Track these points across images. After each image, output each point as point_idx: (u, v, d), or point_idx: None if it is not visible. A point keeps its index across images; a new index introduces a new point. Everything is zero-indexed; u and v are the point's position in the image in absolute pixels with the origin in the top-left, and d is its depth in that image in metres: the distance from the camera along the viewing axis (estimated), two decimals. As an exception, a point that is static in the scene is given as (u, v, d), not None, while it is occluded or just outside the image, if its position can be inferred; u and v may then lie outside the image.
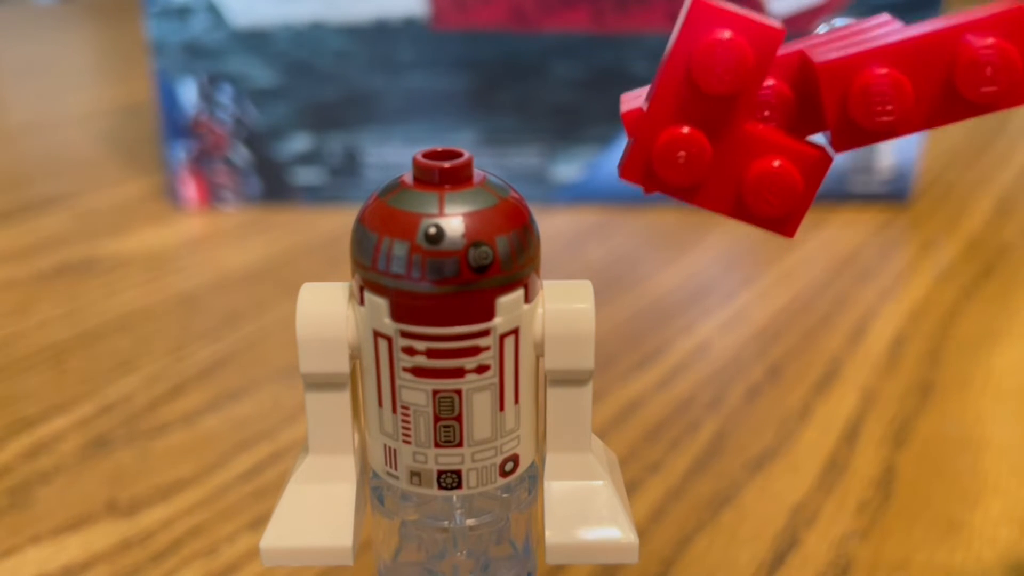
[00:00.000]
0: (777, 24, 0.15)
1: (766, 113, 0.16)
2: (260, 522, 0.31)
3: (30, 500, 0.33)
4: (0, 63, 0.98)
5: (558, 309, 0.19)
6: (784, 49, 0.16)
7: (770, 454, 0.35)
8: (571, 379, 0.19)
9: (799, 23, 0.55)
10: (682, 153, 0.16)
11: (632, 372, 0.40)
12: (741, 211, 0.17)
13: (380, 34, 0.55)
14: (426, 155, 0.18)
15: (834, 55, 0.16)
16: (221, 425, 0.37)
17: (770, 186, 0.16)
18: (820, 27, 0.18)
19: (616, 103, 0.59)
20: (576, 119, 0.57)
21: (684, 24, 0.15)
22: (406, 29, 0.55)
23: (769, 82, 0.16)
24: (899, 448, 0.35)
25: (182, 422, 0.37)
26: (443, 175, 0.18)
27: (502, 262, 0.18)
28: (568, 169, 0.58)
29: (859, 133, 0.16)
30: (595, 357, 0.19)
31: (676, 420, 0.37)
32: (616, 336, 0.43)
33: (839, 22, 0.17)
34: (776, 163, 0.16)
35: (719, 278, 0.50)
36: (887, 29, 0.16)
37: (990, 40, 0.15)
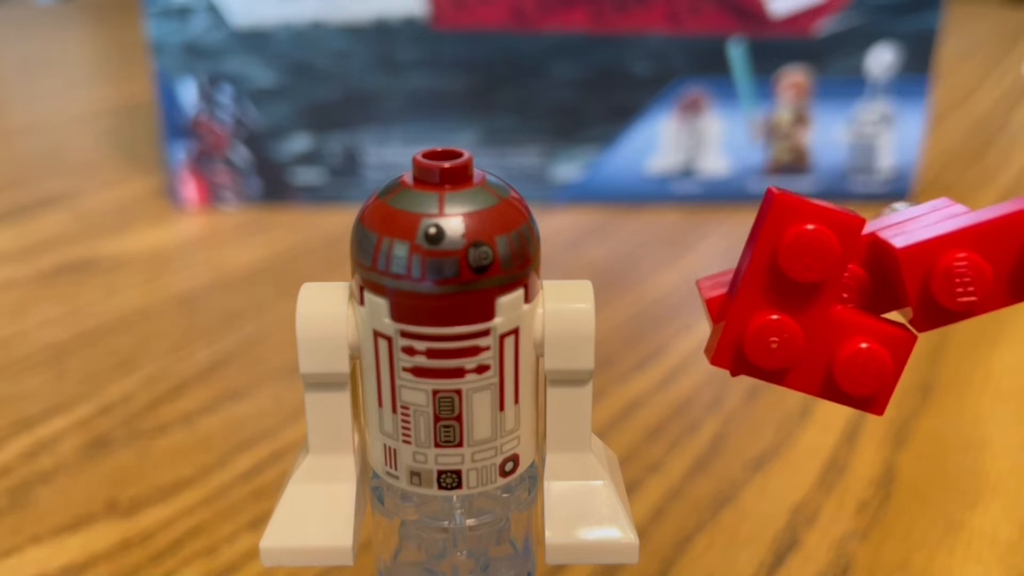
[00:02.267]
0: (856, 214, 0.16)
1: (845, 295, 0.17)
2: (260, 522, 0.31)
3: (30, 500, 0.33)
4: (0, 63, 0.98)
5: (558, 309, 0.19)
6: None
7: (770, 454, 0.35)
8: (571, 379, 0.19)
9: (799, 23, 0.55)
10: (775, 339, 0.17)
11: (632, 372, 0.40)
12: (831, 392, 0.17)
13: (380, 34, 0.55)
14: (426, 155, 0.18)
15: (912, 240, 0.16)
16: (221, 425, 0.37)
17: (861, 367, 0.17)
18: (885, 212, 0.18)
19: (616, 103, 0.58)
20: (576, 119, 0.57)
21: (768, 217, 0.16)
22: (406, 29, 0.55)
23: (855, 269, 0.17)
24: (899, 448, 0.35)
25: (182, 422, 0.37)
26: (443, 175, 0.18)
27: (502, 262, 0.18)
28: (568, 169, 0.58)
29: (943, 313, 0.16)
30: (595, 357, 0.19)
31: (676, 420, 0.37)
32: (616, 336, 0.43)
33: (901, 207, 0.18)
34: (865, 344, 0.17)
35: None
36: (952, 211, 0.17)
37: None
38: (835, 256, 0.16)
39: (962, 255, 0.16)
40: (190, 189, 0.58)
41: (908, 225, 0.17)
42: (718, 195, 0.58)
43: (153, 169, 0.64)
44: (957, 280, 0.16)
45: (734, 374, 0.17)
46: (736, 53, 0.56)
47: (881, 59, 0.56)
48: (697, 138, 0.57)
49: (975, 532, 0.31)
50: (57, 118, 0.78)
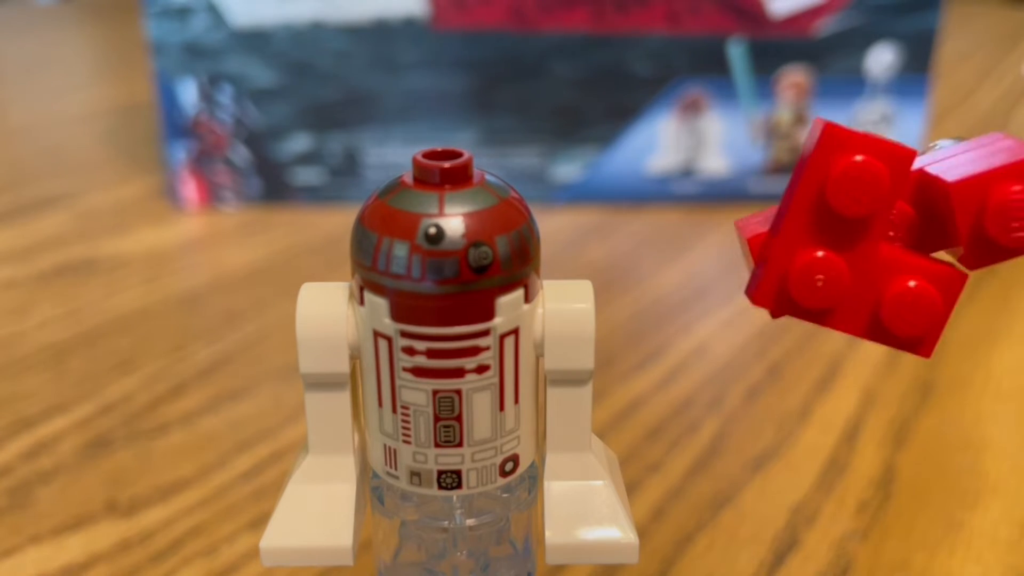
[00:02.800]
0: (907, 145, 0.16)
1: (891, 233, 0.16)
2: (260, 522, 0.31)
3: (30, 500, 0.33)
4: (0, 63, 0.98)
5: (558, 309, 0.19)
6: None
7: (770, 454, 0.35)
8: (571, 379, 0.19)
9: (799, 23, 0.55)
10: (820, 277, 0.16)
11: (632, 372, 0.40)
12: (878, 332, 0.17)
13: (380, 34, 0.55)
14: (426, 155, 0.18)
15: (964, 173, 0.15)
16: (221, 425, 0.37)
17: (910, 306, 0.16)
18: (929, 149, 0.18)
19: (616, 103, 0.58)
20: (576, 119, 0.57)
21: (815, 148, 0.16)
22: (406, 29, 0.55)
23: (904, 207, 0.16)
24: (899, 448, 0.35)
25: (182, 422, 0.37)
26: (443, 175, 0.18)
27: (502, 262, 0.18)
28: (568, 169, 0.58)
29: (996, 250, 0.16)
30: (595, 357, 0.19)
31: (676, 420, 0.37)
32: (616, 336, 0.43)
33: (946, 143, 0.17)
34: (913, 283, 0.16)
35: (719, 278, 0.50)
36: (1003, 144, 0.16)
37: None
38: (885, 189, 0.15)
39: (1017, 188, 0.15)
40: (190, 189, 0.58)
41: (957, 160, 0.16)
42: (718, 195, 0.58)
43: (153, 169, 0.64)
44: (1013, 214, 0.15)
45: (776, 315, 0.17)
46: (736, 53, 0.56)
47: (881, 59, 0.56)
48: (697, 138, 0.57)
49: (975, 532, 0.31)
50: (57, 118, 0.78)
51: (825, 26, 0.55)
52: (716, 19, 0.55)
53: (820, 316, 0.16)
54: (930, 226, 0.17)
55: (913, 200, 0.16)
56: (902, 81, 0.56)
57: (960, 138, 0.17)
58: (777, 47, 0.55)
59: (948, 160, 0.16)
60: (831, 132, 0.16)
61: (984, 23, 1.09)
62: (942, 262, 0.17)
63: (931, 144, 0.18)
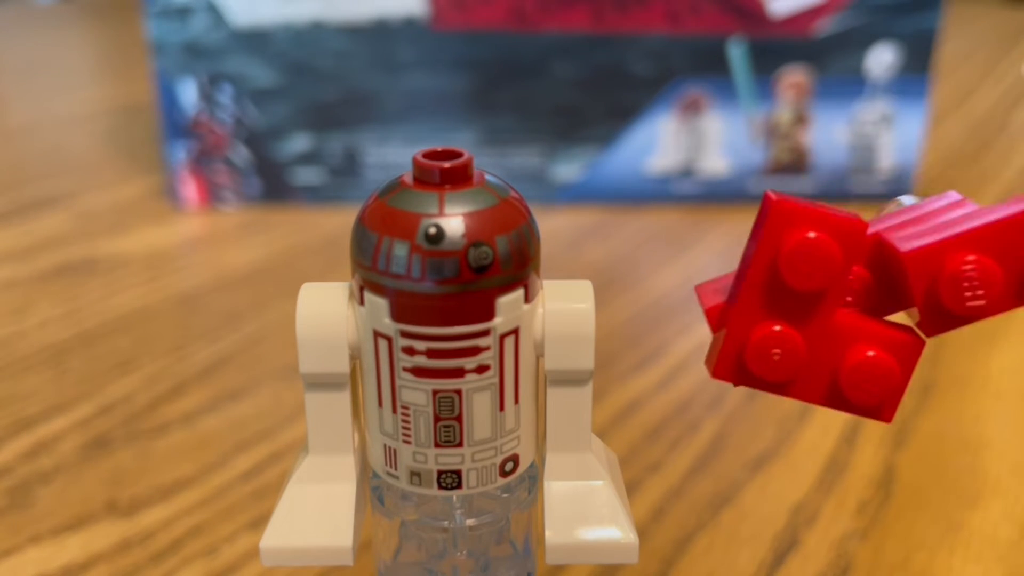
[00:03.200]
0: (857, 216, 0.16)
1: (848, 298, 0.16)
2: (260, 522, 0.31)
3: (30, 500, 0.33)
4: (0, 63, 0.98)
5: (558, 309, 0.19)
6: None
7: (770, 454, 0.35)
8: (571, 379, 0.19)
9: (799, 23, 0.55)
10: (777, 351, 0.16)
11: (632, 372, 0.40)
12: (837, 401, 0.17)
13: (380, 34, 0.55)
14: (426, 155, 0.18)
15: (918, 243, 0.15)
16: (221, 425, 0.37)
17: (867, 376, 0.16)
18: (890, 207, 0.18)
19: (616, 103, 0.58)
20: (576, 119, 0.57)
21: (766, 224, 0.16)
22: (406, 29, 0.55)
23: (858, 271, 0.16)
24: (899, 448, 0.35)
25: (182, 422, 0.37)
26: (443, 175, 0.18)
27: (502, 262, 0.18)
28: (568, 169, 0.58)
29: (950, 318, 0.16)
30: (595, 357, 0.19)
31: (676, 420, 0.37)
32: (616, 336, 0.43)
33: (907, 201, 0.17)
34: (871, 352, 0.16)
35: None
36: (961, 212, 0.16)
37: None
38: (837, 264, 0.15)
39: (971, 258, 0.15)
40: (190, 189, 0.58)
41: (914, 225, 0.16)
42: (718, 195, 0.58)
43: (153, 169, 0.64)
44: (966, 284, 0.15)
45: (736, 384, 0.17)
46: (736, 53, 0.56)
47: (881, 59, 0.56)
48: (697, 138, 0.57)
49: (975, 532, 0.31)
50: (57, 118, 0.78)
51: (825, 26, 0.55)
52: (716, 19, 0.55)
53: (779, 388, 0.16)
54: (888, 289, 0.16)
55: (870, 263, 0.16)
56: (902, 81, 0.56)
57: (921, 196, 0.17)
58: (777, 47, 0.55)
59: (906, 224, 0.16)
60: (780, 208, 0.16)
61: (984, 23, 1.09)
62: (900, 327, 0.16)
63: (894, 201, 0.18)
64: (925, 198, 0.17)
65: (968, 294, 0.15)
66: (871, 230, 0.17)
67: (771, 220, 0.16)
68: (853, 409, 0.17)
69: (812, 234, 0.15)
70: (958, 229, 0.15)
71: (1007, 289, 0.15)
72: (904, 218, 0.17)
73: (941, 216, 0.16)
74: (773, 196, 0.16)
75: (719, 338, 0.17)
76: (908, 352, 0.16)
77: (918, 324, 0.17)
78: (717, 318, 0.17)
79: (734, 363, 0.16)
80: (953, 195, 0.17)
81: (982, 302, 0.15)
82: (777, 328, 0.16)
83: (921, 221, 0.16)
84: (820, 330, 0.16)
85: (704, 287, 0.18)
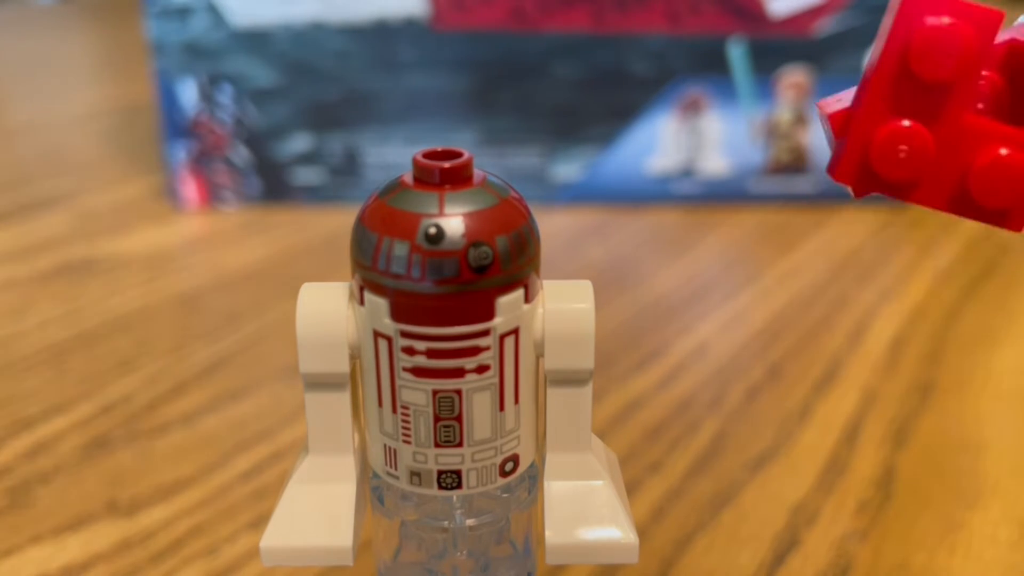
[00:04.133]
0: (995, 8, 0.15)
1: (980, 105, 0.16)
2: (260, 522, 0.31)
3: (30, 500, 0.33)
4: (0, 63, 0.98)
5: (558, 309, 0.19)
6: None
7: (770, 454, 0.35)
8: (571, 379, 0.19)
9: (799, 23, 0.55)
10: (904, 147, 0.15)
11: (632, 372, 0.40)
12: (964, 206, 0.16)
13: (380, 34, 0.55)
14: (426, 155, 0.18)
15: None
16: (221, 425, 0.37)
17: (1000, 176, 0.15)
18: (1020, 20, 0.17)
19: (616, 103, 0.58)
20: (576, 119, 0.57)
21: (899, 12, 0.15)
22: (406, 29, 0.55)
23: (982, 72, 0.16)
24: (899, 448, 0.35)
25: (182, 422, 0.37)
26: (443, 175, 0.18)
27: (502, 262, 0.18)
28: (568, 169, 0.58)
29: None
30: (595, 357, 0.19)
31: (676, 420, 0.37)
32: (616, 336, 0.43)
33: None
34: (1004, 151, 0.15)
35: (719, 278, 0.50)
36: None
37: None
38: (971, 53, 0.15)
39: None
40: (190, 189, 0.58)
41: None
42: (718, 195, 0.58)
43: (153, 169, 0.64)
44: None
45: (858, 193, 0.16)
46: (736, 53, 0.56)
47: (881, 59, 0.56)
48: (697, 138, 0.57)
49: (975, 532, 0.31)
50: (57, 118, 0.78)
51: (825, 26, 0.55)
52: (716, 19, 0.55)
53: (903, 190, 0.16)
54: (1020, 99, 0.16)
55: (1004, 69, 0.16)
56: (902, 81, 0.56)
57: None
58: (777, 47, 0.55)
59: None
60: None
61: (984, 23, 1.09)
62: None
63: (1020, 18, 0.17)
64: None
65: None
66: (1005, 36, 0.16)
67: (905, 6, 0.15)
68: (981, 214, 0.16)
69: (946, 20, 0.15)
70: None
71: None
72: None
73: None
74: None
75: (842, 141, 0.16)
76: None
77: None
78: (841, 123, 0.16)
79: (858, 165, 0.16)
80: None
81: None
82: (905, 124, 0.15)
83: None
84: (950, 128, 0.15)
85: (826, 101, 0.17)
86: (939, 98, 0.15)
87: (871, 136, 0.15)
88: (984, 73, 0.15)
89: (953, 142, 0.15)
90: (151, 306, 0.47)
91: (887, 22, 0.15)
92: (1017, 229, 0.16)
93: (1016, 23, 0.17)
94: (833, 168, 0.16)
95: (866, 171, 0.16)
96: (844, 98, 0.16)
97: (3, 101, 0.85)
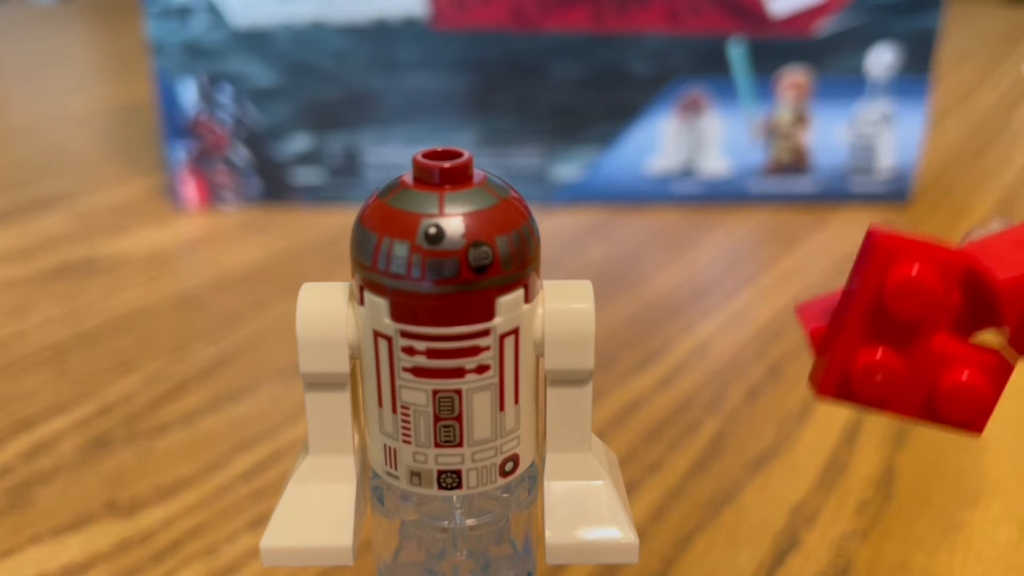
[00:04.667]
0: (956, 248, 0.17)
1: (948, 317, 0.18)
2: (260, 522, 0.31)
3: (30, 500, 0.33)
4: (0, 63, 0.98)
5: (558, 309, 0.19)
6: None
7: (770, 454, 0.35)
8: (571, 379, 0.19)
9: (799, 23, 0.55)
10: (879, 375, 0.17)
11: (632, 372, 0.40)
12: (932, 416, 0.18)
13: (380, 34, 0.55)
14: (426, 155, 0.18)
15: (1014, 272, 0.17)
16: (221, 425, 0.37)
17: (961, 397, 0.18)
18: (975, 231, 0.19)
19: (616, 103, 0.58)
20: (576, 119, 0.57)
21: (871, 258, 0.17)
22: (406, 29, 0.55)
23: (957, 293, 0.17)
24: (899, 448, 0.35)
25: (182, 422, 0.37)
26: (443, 175, 0.18)
27: (502, 262, 0.18)
28: (568, 169, 0.58)
29: None
30: (595, 357, 0.19)
31: (676, 420, 0.37)
32: (616, 336, 0.43)
33: (996, 225, 0.18)
34: (965, 375, 0.17)
35: (719, 278, 0.50)
36: None
37: None
38: (937, 296, 0.17)
39: None
40: (190, 189, 0.58)
41: (1007, 251, 0.17)
42: (718, 195, 0.58)
43: (153, 169, 0.64)
44: None
45: (838, 401, 0.18)
46: (736, 53, 0.56)
47: (881, 59, 0.56)
48: (697, 138, 0.57)
49: (975, 532, 0.31)
50: (57, 118, 0.78)
51: (825, 26, 0.55)
52: (716, 19, 0.55)
53: (879, 405, 0.18)
54: (979, 309, 0.17)
55: (962, 284, 0.17)
56: (902, 81, 0.56)
57: (1010, 221, 0.18)
58: (777, 47, 0.55)
59: (997, 249, 0.17)
60: (885, 244, 0.17)
61: (984, 23, 1.09)
62: (990, 352, 0.18)
63: (983, 225, 0.18)
64: (1013, 222, 0.18)
65: None
66: (964, 250, 0.18)
67: (876, 255, 0.17)
68: (945, 424, 0.18)
69: (915, 270, 0.17)
70: None
71: None
72: (995, 241, 0.18)
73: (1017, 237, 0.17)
74: (878, 232, 0.17)
75: (823, 360, 0.18)
76: (999, 374, 0.18)
77: (1009, 342, 0.17)
78: (820, 341, 0.18)
79: (839, 384, 0.18)
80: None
81: None
82: (880, 354, 0.17)
83: (1013, 247, 0.17)
84: (919, 353, 0.17)
85: (806, 309, 0.19)
86: (910, 329, 0.17)
87: (850, 362, 0.17)
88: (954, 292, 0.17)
89: (922, 364, 0.17)
90: (151, 306, 0.47)
91: (860, 263, 0.17)
92: (978, 433, 0.18)
93: (970, 234, 0.19)
94: (817, 384, 0.18)
95: (847, 390, 0.18)
96: (821, 311, 0.18)
97: (3, 101, 0.85)
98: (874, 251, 0.17)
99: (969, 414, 0.18)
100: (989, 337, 0.18)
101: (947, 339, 0.18)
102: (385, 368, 0.18)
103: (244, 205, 0.58)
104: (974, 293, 0.17)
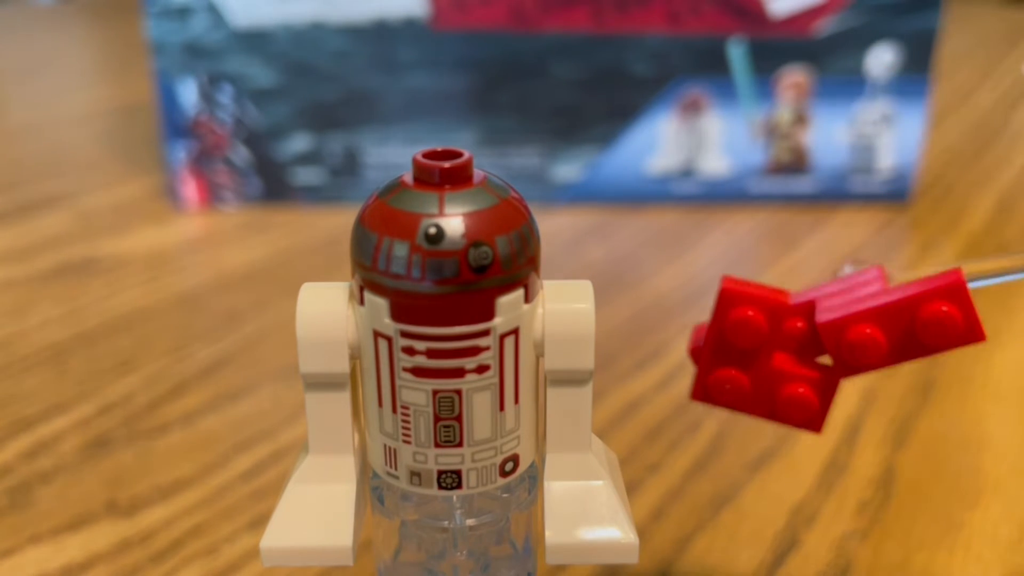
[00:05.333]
0: (786, 294, 0.22)
1: (792, 343, 0.22)
2: (260, 522, 0.31)
3: (30, 500, 0.33)
4: (0, 63, 0.98)
5: (558, 309, 0.19)
6: (804, 296, 0.23)
7: (770, 454, 0.35)
8: (571, 379, 0.19)
9: (799, 23, 0.55)
10: (727, 386, 0.23)
11: (632, 372, 0.40)
12: (777, 418, 0.23)
13: (380, 34, 0.55)
14: (426, 155, 0.18)
15: (829, 316, 0.22)
16: (221, 425, 0.37)
17: (795, 406, 0.22)
18: (843, 270, 0.24)
19: (616, 103, 0.58)
20: (576, 119, 0.57)
21: (718, 301, 0.22)
22: (406, 29, 0.55)
23: (799, 323, 0.23)
24: (899, 448, 0.35)
25: (182, 422, 0.37)
26: (443, 175, 0.18)
27: (502, 262, 0.18)
28: (568, 169, 0.58)
29: (851, 369, 0.22)
30: (595, 357, 0.19)
31: (676, 420, 0.37)
32: (616, 336, 0.43)
33: (848, 270, 0.24)
34: (799, 389, 0.22)
35: (719, 278, 0.50)
36: (873, 289, 0.22)
37: (941, 306, 0.21)
38: (763, 333, 0.22)
39: (867, 330, 0.21)
40: (190, 189, 0.58)
41: (838, 299, 0.22)
42: (718, 195, 0.58)
43: (153, 169, 0.64)
44: (859, 350, 0.21)
45: (707, 403, 0.23)
46: (736, 53, 0.56)
47: (881, 59, 0.56)
48: (697, 138, 0.57)
49: (975, 532, 0.31)
50: (57, 118, 0.78)
51: (825, 26, 0.55)
52: (716, 19, 0.55)
53: (735, 408, 0.23)
54: (816, 338, 0.22)
55: (807, 318, 0.22)
56: (902, 81, 0.56)
57: (858, 265, 0.24)
58: (777, 47, 0.55)
59: (833, 296, 0.22)
60: (728, 291, 0.22)
61: (984, 23, 1.09)
62: (822, 368, 0.22)
63: (841, 269, 0.24)
64: (859, 269, 0.24)
65: (859, 355, 0.21)
66: (812, 296, 0.23)
67: (721, 299, 0.22)
68: (789, 424, 0.23)
69: (747, 312, 0.22)
70: (860, 307, 0.21)
71: (890, 352, 0.21)
72: (836, 288, 0.23)
73: (858, 291, 0.22)
74: (725, 281, 0.22)
75: (695, 374, 0.23)
76: (826, 388, 0.22)
77: (832, 367, 0.22)
78: (695, 357, 0.24)
79: (702, 392, 0.23)
80: (874, 272, 0.23)
81: (871, 361, 0.21)
82: (727, 372, 0.23)
83: (844, 294, 0.22)
84: (762, 371, 0.23)
85: (696, 330, 0.24)
86: (750, 353, 0.22)
87: (708, 376, 0.23)
88: (800, 323, 0.22)
89: (765, 379, 0.23)
90: (151, 306, 0.47)
91: (717, 302, 0.22)
92: (817, 432, 0.23)
93: (837, 272, 0.24)
94: (691, 392, 0.23)
95: (708, 397, 0.23)
96: (702, 330, 0.24)
97: (3, 101, 0.85)
98: (720, 296, 0.22)
99: (803, 419, 0.23)
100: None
101: (787, 359, 0.23)
102: (385, 368, 0.18)
103: (244, 205, 0.58)
104: (814, 325, 0.22)
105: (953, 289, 0.21)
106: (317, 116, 0.56)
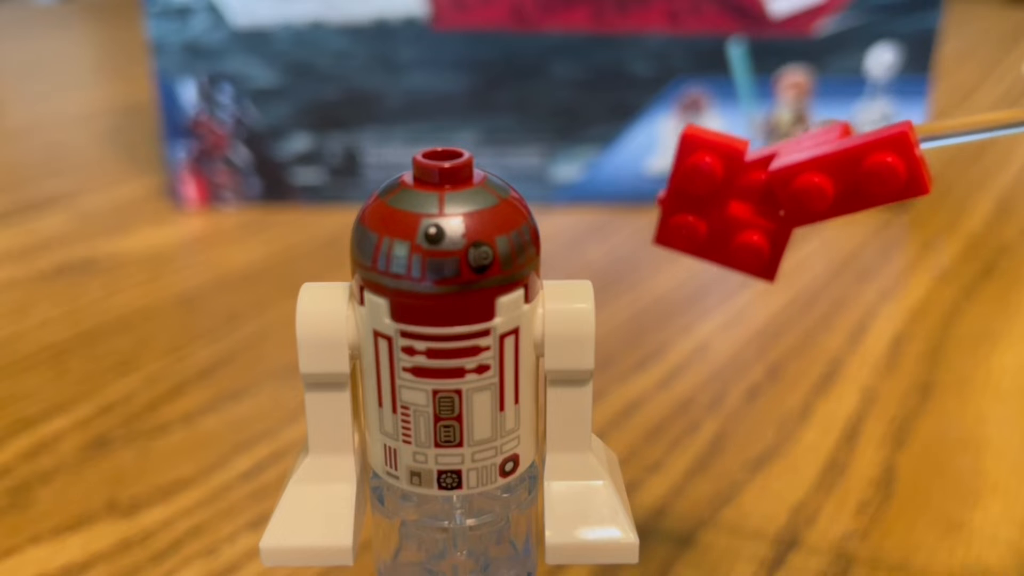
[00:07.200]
0: (742, 141, 0.22)
1: (755, 195, 0.22)
2: (260, 522, 0.31)
3: (30, 500, 0.33)
4: (0, 63, 0.98)
5: (558, 309, 0.19)
6: (768, 149, 0.23)
7: (770, 454, 0.35)
8: (571, 379, 0.19)
9: (799, 23, 0.55)
10: (684, 232, 0.23)
11: (632, 372, 0.40)
12: (732, 264, 0.23)
13: (380, 34, 0.55)
14: (426, 155, 0.18)
15: (779, 164, 0.22)
16: (221, 425, 0.37)
17: (748, 252, 0.23)
18: (812, 124, 0.23)
19: (616, 103, 0.59)
20: (576, 119, 0.57)
21: (679, 147, 0.22)
22: (406, 29, 0.55)
23: (760, 175, 0.22)
24: (899, 448, 0.35)
25: (182, 422, 0.37)
26: (443, 175, 0.18)
27: (502, 262, 0.18)
28: (568, 169, 0.58)
29: (799, 218, 0.22)
30: (595, 357, 0.19)
31: (676, 420, 0.37)
32: (616, 336, 0.43)
33: (816, 126, 0.23)
34: (752, 237, 0.23)
35: (719, 278, 0.50)
36: (827, 138, 0.22)
37: (886, 157, 0.21)
38: (718, 179, 0.22)
39: (815, 178, 0.21)
40: (190, 189, 0.58)
41: (798, 147, 0.22)
42: (718, 195, 0.58)
43: (153, 169, 0.64)
44: (805, 197, 0.21)
45: (666, 247, 0.24)
46: (736, 53, 0.56)
47: (881, 59, 0.56)
48: (697, 138, 0.57)
49: (975, 532, 0.31)
50: (57, 118, 0.78)
51: (825, 26, 0.55)
52: (716, 19, 0.55)
53: (692, 253, 0.24)
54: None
55: (764, 171, 0.22)
56: (902, 81, 0.56)
57: (831, 122, 0.24)
58: (777, 47, 0.55)
59: (790, 147, 0.22)
60: (686, 138, 0.22)
61: (984, 23, 1.09)
62: (774, 219, 0.22)
63: (820, 121, 0.22)
64: (829, 123, 0.24)
65: (806, 203, 0.21)
66: (775, 148, 0.23)
67: (680, 146, 0.22)
68: (744, 271, 0.23)
69: (706, 158, 0.22)
70: (809, 155, 0.21)
71: (836, 201, 0.22)
72: (801, 139, 0.23)
73: (815, 139, 0.22)
74: (686, 128, 0.22)
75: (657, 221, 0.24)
76: (777, 237, 0.22)
77: (784, 217, 0.22)
78: (660, 206, 0.24)
79: (663, 237, 0.23)
80: (839, 124, 0.23)
81: (819, 209, 0.21)
82: (685, 217, 0.23)
83: (802, 143, 0.22)
84: (717, 217, 0.23)
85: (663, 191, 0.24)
86: (706, 200, 0.23)
87: (668, 222, 0.23)
88: (759, 176, 0.22)
89: (721, 226, 0.23)
90: (151, 306, 0.47)
91: (677, 149, 0.22)
92: (770, 281, 0.23)
93: (809, 128, 0.24)
94: (654, 237, 0.24)
95: (668, 241, 0.24)
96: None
97: (3, 101, 0.85)
98: (681, 141, 0.22)
99: (756, 266, 0.23)
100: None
101: (745, 209, 0.23)
102: (385, 368, 0.18)
103: (244, 205, 0.58)
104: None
105: (898, 140, 0.21)
106: (317, 116, 0.56)
